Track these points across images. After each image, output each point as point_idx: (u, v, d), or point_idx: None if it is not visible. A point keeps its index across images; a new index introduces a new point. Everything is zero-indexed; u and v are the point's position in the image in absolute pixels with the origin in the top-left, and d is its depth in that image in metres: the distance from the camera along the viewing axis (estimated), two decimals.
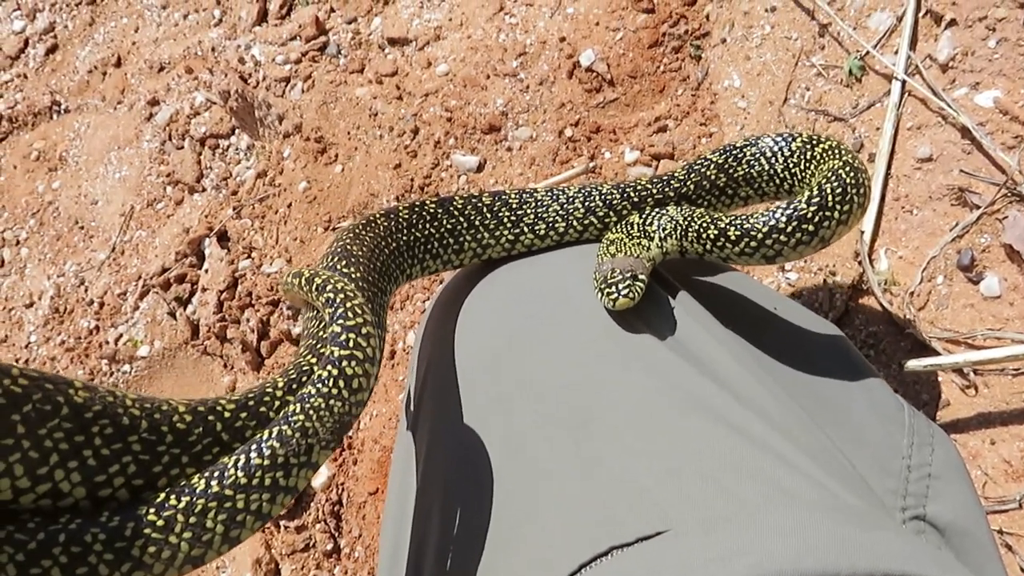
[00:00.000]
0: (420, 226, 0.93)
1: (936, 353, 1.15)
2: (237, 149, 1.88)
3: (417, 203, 0.94)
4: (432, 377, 0.94)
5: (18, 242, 2.07)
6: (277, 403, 0.60)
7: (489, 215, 0.96)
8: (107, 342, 1.79)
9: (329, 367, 0.59)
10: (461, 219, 0.95)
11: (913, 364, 1.11)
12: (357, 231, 0.86)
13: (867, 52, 1.35)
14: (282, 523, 1.38)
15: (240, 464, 0.55)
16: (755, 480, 0.65)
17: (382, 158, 1.63)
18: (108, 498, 0.51)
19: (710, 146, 1.44)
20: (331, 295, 0.67)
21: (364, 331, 0.63)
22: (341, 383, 0.59)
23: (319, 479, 1.39)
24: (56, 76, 2.28)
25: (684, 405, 0.74)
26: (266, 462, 0.55)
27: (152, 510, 0.52)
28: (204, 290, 1.69)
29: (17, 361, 1.88)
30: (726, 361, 0.79)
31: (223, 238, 1.76)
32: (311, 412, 0.57)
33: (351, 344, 0.61)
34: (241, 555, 1.37)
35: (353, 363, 0.60)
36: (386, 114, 1.66)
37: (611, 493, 0.69)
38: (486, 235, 0.95)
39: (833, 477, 0.68)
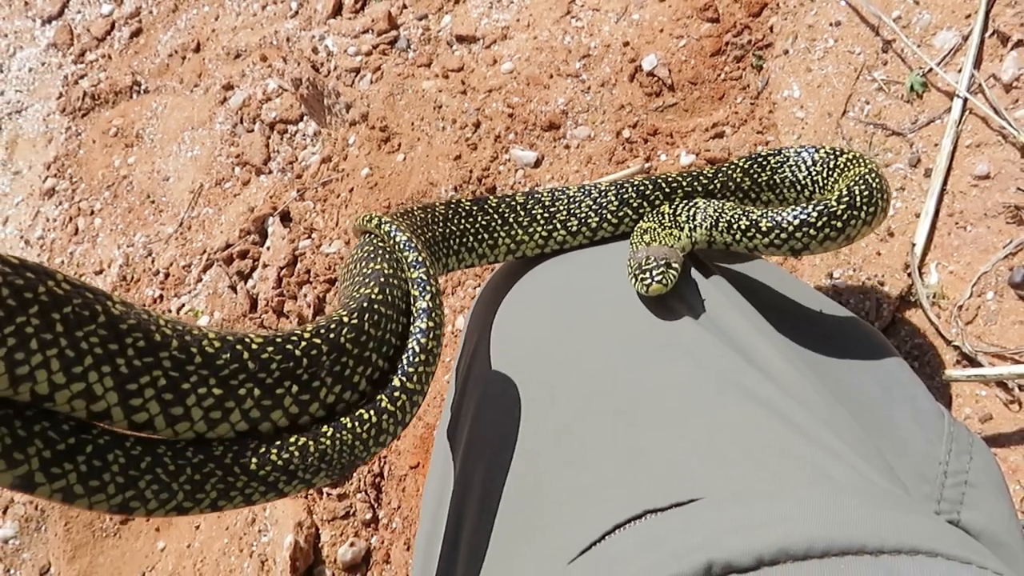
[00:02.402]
0: (456, 221, 0.97)
1: (981, 367, 1.16)
2: (304, 135, 1.95)
3: (453, 200, 0.98)
4: (476, 365, 0.97)
5: (92, 212, 2.18)
6: (304, 343, 0.63)
7: (523, 212, 1.00)
8: (170, 310, 1.86)
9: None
10: (495, 216, 0.99)
11: (956, 373, 1.11)
12: (394, 218, 0.90)
13: (930, 69, 1.36)
14: (325, 490, 1.43)
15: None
16: (794, 461, 0.67)
17: (443, 149, 1.68)
18: (139, 407, 0.55)
19: None
20: (422, 275, 0.77)
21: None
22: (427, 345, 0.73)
23: None
24: (138, 58, 2.39)
25: (724, 387, 0.76)
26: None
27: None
28: (265, 266, 1.76)
29: None
30: (766, 350, 0.81)
31: (285, 218, 1.83)
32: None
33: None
34: (284, 518, 1.42)
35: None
36: (450, 107, 1.71)
37: (650, 464, 0.71)
38: (519, 232, 0.99)
39: (872, 466, 0.69)
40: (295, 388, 0.62)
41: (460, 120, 1.69)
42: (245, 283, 1.78)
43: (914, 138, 1.35)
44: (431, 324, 0.76)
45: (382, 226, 0.84)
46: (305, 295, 1.63)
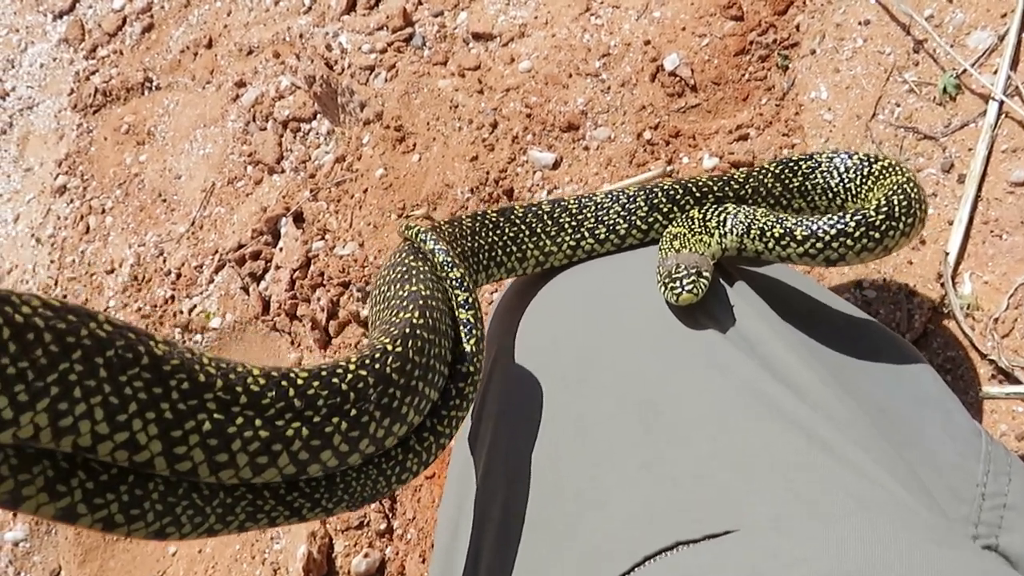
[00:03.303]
0: (483, 234, 0.95)
1: (1018, 383, 1.12)
2: (318, 133, 1.92)
3: (479, 213, 0.96)
4: (497, 370, 0.95)
5: (104, 210, 2.15)
6: (350, 376, 0.61)
7: (550, 221, 0.97)
8: (181, 312, 1.84)
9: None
10: (522, 227, 0.96)
11: (993, 390, 1.07)
12: (437, 229, 0.88)
13: (964, 70, 1.32)
14: None
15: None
16: (828, 484, 0.65)
17: (459, 150, 1.65)
18: (183, 456, 0.52)
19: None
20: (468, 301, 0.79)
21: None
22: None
23: None
24: (150, 54, 2.36)
25: (752, 403, 0.74)
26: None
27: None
28: (277, 268, 1.73)
29: None
30: (795, 363, 0.79)
31: (298, 219, 1.80)
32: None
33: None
34: (297, 527, 1.39)
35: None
36: (466, 107, 1.67)
37: (678, 485, 0.68)
38: (547, 242, 0.97)
39: (907, 489, 0.67)
40: (344, 425, 0.60)
41: (477, 120, 1.65)
42: (257, 285, 1.75)
43: (947, 142, 1.31)
44: (471, 369, 0.74)
45: (426, 242, 0.82)
46: (319, 299, 1.60)
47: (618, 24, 1.65)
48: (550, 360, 0.88)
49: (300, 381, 0.58)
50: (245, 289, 1.76)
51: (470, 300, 0.79)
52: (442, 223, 0.94)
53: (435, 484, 1.35)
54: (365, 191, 1.73)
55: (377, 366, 0.63)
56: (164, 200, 2.08)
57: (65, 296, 2.06)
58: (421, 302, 0.72)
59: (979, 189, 1.25)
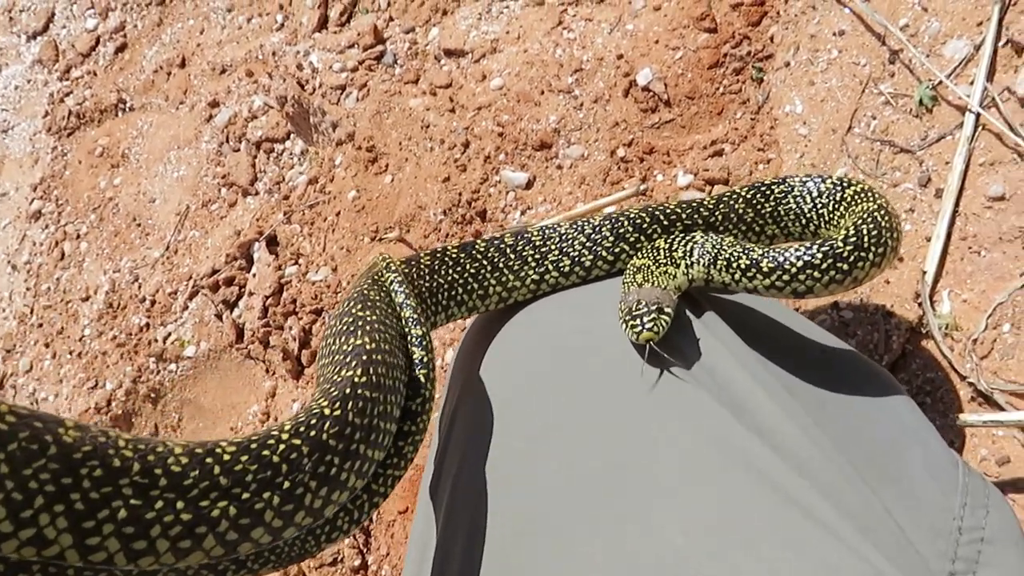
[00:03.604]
0: (443, 272, 0.92)
1: (998, 406, 1.09)
2: (291, 154, 1.89)
3: (439, 249, 0.93)
4: (459, 419, 0.92)
5: (79, 236, 2.13)
6: (282, 446, 0.58)
7: (513, 255, 0.94)
8: (156, 340, 1.81)
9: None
10: (484, 262, 0.93)
11: (971, 418, 1.04)
12: (376, 277, 0.85)
13: (940, 81, 1.29)
14: None
15: None
16: (797, 551, 0.62)
17: (432, 170, 1.62)
18: (96, 547, 0.49)
19: (767, 173, 1.39)
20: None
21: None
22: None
23: None
24: (123, 74, 2.34)
25: (721, 458, 0.72)
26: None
27: None
28: (251, 294, 1.70)
29: (71, 354, 1.92)
30: (765, 404, 0.76)
31: (272, 242, 1.77)
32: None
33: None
34: None
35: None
36: (438, 126, 1.64)
37: (642, 549, 0.66)
38: (511, 277, 0.94)
39: (879, 548, 0.65)
40: (276, 499, 0.56)
41: (448, 140, 1.62)
42: (231, 312, 1.73)
43: (924, 155, 1.28)
44: (413, 428, 0.71)
45: (386, 276, 0.80)
46: (290, 327, 1.58)
47: (591, 38, 1.62)
48: (512, 415, 0.85)
49: (227, 457, 0.55)
50: (219, 316, 1.73)
51: (425, 360, 0.76)
52: (399, 262, 0.92)
53: (408, 519, 1.33)
54: (338, 214, 1.70)
55: (313, 433, 0.60)
56: (138, 224, 2.05)
57: (41, 325, 2.03)
58: (364, 358, 0.69)
59: (957, 204, 1.22)
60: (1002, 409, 1.08)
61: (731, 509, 0.67)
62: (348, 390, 0.65)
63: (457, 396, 0.95)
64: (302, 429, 0.60)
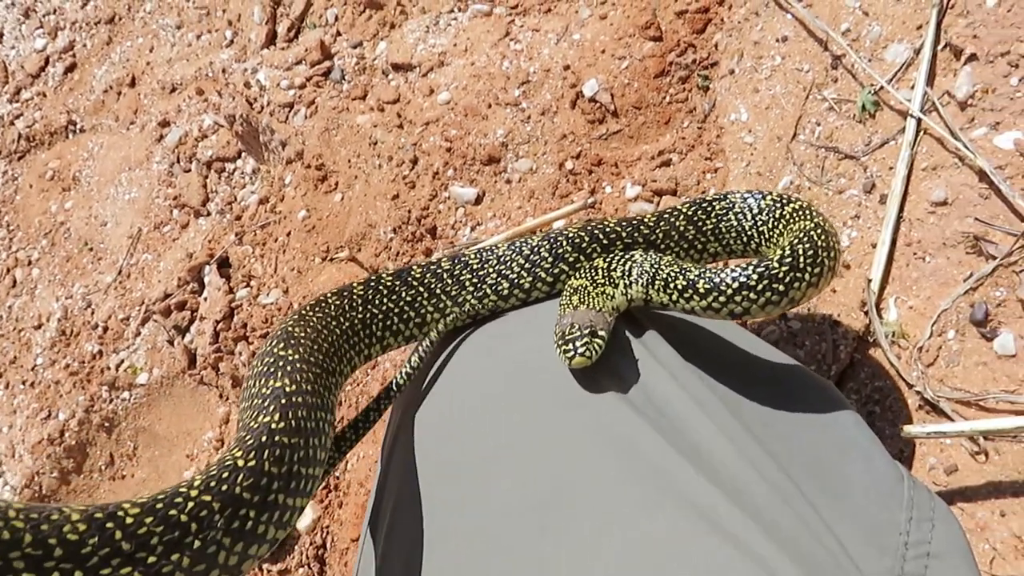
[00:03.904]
0: (376, 301, 0.90)
1: (944, 414, 1.08)
2: (243, 173, 1.87)
3: (372, 278, 0.91)
4: (400, 442, 0.90)
5: (30, 262, 2.09)
6: (191, 504, 0.56)
7: (450, 280, 0.92)
8: (108, 367, 1.78)
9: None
10: (421, 289, 0.91)
11: (915, 430, 1.03)
12: (304, 312, 0.83)
13: (881, 87, 1.28)
14: (265, 567, 1.35)
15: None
16: None
17: (381, 188, 1.60)
18: None
19: (715, 182, 1.38)
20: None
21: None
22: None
23: (304, 521, 1.36)
24: (73, 95, 2.30)
25: (653, 493, 0.70)
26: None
27: None
28: (202, 319, 1.67)
29: (24, 384, 1.89)
30: (704, 430, 0.75)
31: (224, 264, 1.74)
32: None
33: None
34: None
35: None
36: (386, 143, 1.62)
37: None
38: (448, 302, 0.92)
39: None
40: (186, 561, 0.54)
41: (397, 156, 1.60)
42: (183, 337, 1.70)
43: (868, 161, 1.27)
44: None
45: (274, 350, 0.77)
46: (240, 353, 1.55)
47: (537, 49, 1.61)
48: (447, 452, 0.83)
49: (129, 520, 0.52)
50: (171, 342, 1.70)
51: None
52: (328, 295, 0.89)
53: None
54: (289, 234, 1.67)
55: (224, 487, 0.57)
56: (91, 249, 2.01)
57: None
58: (283, 401, 0.67)
59: (901, 210, 1.21)
60: (948, 417, 1.07)
61: (657, 546, 0.66)
62: (264, 437, 0.62)
63: (396, 426, 0.94)
64: (213, 484, 0.57)
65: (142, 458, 1.72)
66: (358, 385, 1.47)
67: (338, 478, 1.39)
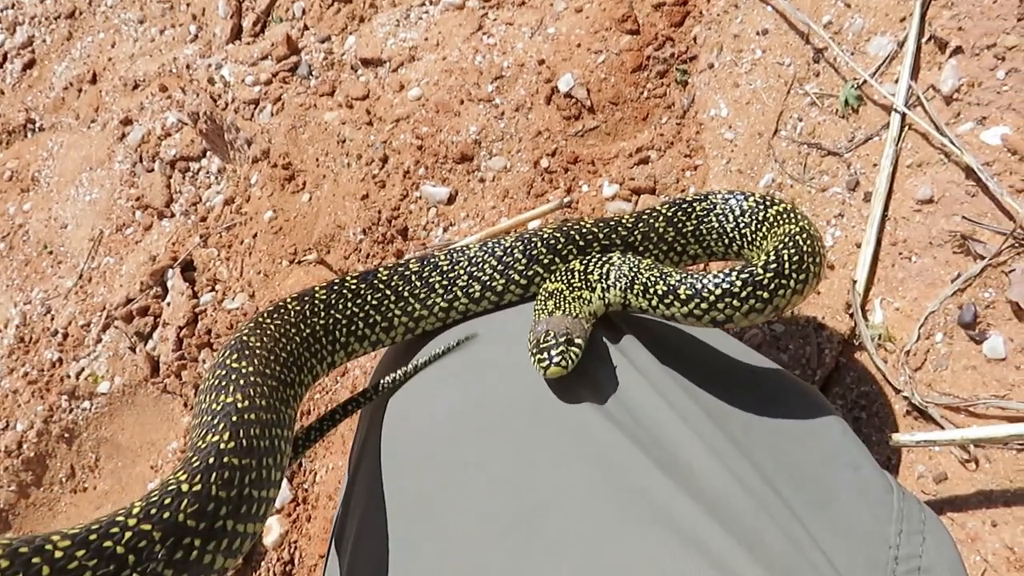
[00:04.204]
0: (340, 306, 0.85)
1: (933, 420, 1.04)
2: (208, 172, 1.80)
3: (336, 281, 0.85)
4: (365, 460, 0.86)
5: None
6: (128, 534, 0.51)
7: (419, 283, 0.87)
8: (68, 376, 1.71)
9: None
10: (387, 292, 0.86)
11: (903, 438, 0.99)
12: (261, 319, 0.78)
13: (864, 80, 1.24)
14: None
15: None
16: None
17: (350, 188, 1.54)
18: None
19: (694, 180, 1.33)
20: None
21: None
22: None
23: (271, 536, 1.30)
24: (32, 92, 2.22)
25: (630, 512, 0.67)
26: None
27: None
28: (165, 325, 1.61)
29: None
30: (683, 438, 0.73)
31: (188, 268, 1.68)
32: None
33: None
34: None
35: None
36: (355, 141, 1.56)
37: None
38: (416, 306, 0.87)
39: None
40: None
41: (366, 155, 1.54)
42: (145, 344, 1.63)
43: (851, 158, 1.23)
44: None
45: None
46: (204, 360, 1.49)
47: (511, 43, 1.56)
48: (417, 464, 0.79)
49: (59, 554, 0.48)
50: (133, 349, 1.64)
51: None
52: (288, 300, 0.84)
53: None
54: (255, 236, 1.61)
55: (166, 515, 0.53)
56: (50, 252, 1.94)
57: None
58: (235, 418, 0.62)
59: (886, 208, 1.17)
60: (937, 423, 1.04)
61: (634, 569, 0.62)
62: (212, 459, 0.57)
63: (364, 436, 0.89)
64: (153, 511, 0.52)
65: (104, 470, 1.65)
66: (327, 393, 1.41)
67: (307, 491, 1.33)
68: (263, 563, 1.30)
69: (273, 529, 1.29)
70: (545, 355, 0.73)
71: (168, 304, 1.63)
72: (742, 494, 0.69)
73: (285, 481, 1.21)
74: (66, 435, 1.66)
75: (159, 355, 1.59)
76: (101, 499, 1.63)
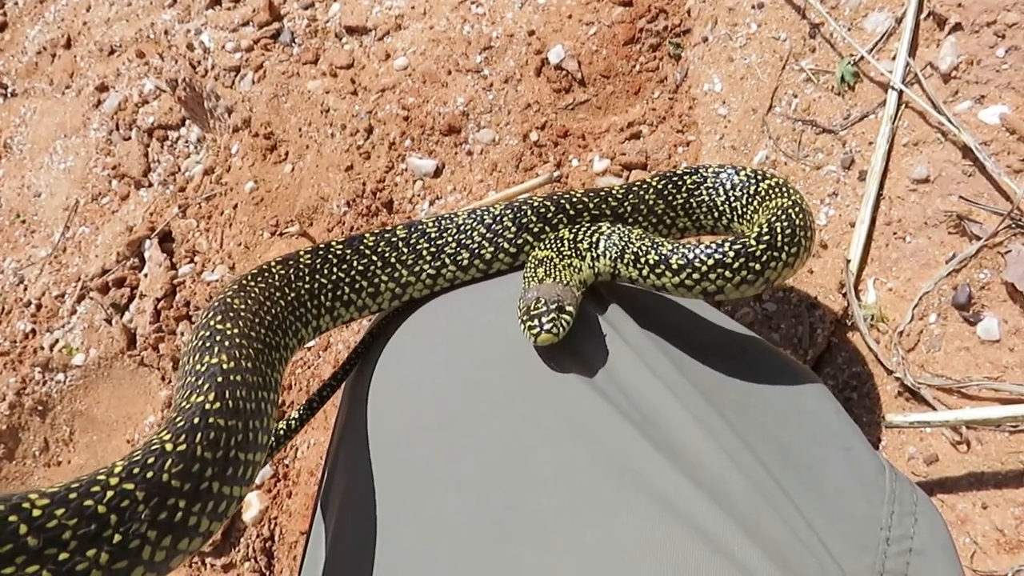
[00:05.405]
0: (326, 271, 0.82)
1: (925, 401, 1.03)
2: (187, 141, 1.75)
3: (322, 245, 0.83)
4: (349, 433, 0.83)
5: None
6: (110, 493, 0.48)
7: (406, 249, 0.85)
8: (42, 347, 1.67)
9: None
10: (374, 258, 0.84)
11: (896, 419, 0.98)
12: (244, 282, 0.75)
13: (861, 57, 1.22)
14: (208, 560, 1.27)
15: None
16: None
17: (333, 159, 1.50)
18: None
19: (687, 156, 1.31)
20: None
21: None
22: None
23: (251, 512, 1.28)
24: (4, 56, 2.15)
25: (622, 489, 0.65)
26: None
27: None
28: (142, 296, 1.57)
29: None
30: (675, 415, 0.71)
31: (167, 239, 1.63)
32: None
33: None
34: None
35: None
36: (339, 111, 1.52)
37: None
38: (404, 272, 0.85)
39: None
40: (104, 557, 0.47)
41: (351, 125, 1.50)
42: (121, 316, 1.59)
43: (846, 136, 1.21)
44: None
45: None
46: (182, 333, 1.45)
47: (500, 13, 1.52)
48: (403, 443, 0.77)
49: (37, 512, 0.45)
50: (109, 321, 1.60)
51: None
52: (273, 263, 0.82)
53: None
54: (235, 207, 1.57)
55: (150, 474, 0.50)
56: (23, 221, 1.88)
57: None
58: (220, 379, 0.60)
59: (881, 187, 1.16)
60: (929, 404, 1.03)
61: (627, 546, 0.61)
62: (197, 419, 0.55)
63: (347, 408, 0.87)
64: (136, 471, 0.50)
65: (79, 443, 1.61)
66: (308, 367, 1.38)
67: (288, 466, 1.31)
68: (243, 539, 1.28)
69: (253, 505, 1.27)
70: (536, 322, 0.71)
71: (145, 275, 1.59)
72: (737, 473, 0.67)
73: None
74: (39, 408, 1.61)
75: (136, 327, 1.55)
76: (76, 473, 1.59)
